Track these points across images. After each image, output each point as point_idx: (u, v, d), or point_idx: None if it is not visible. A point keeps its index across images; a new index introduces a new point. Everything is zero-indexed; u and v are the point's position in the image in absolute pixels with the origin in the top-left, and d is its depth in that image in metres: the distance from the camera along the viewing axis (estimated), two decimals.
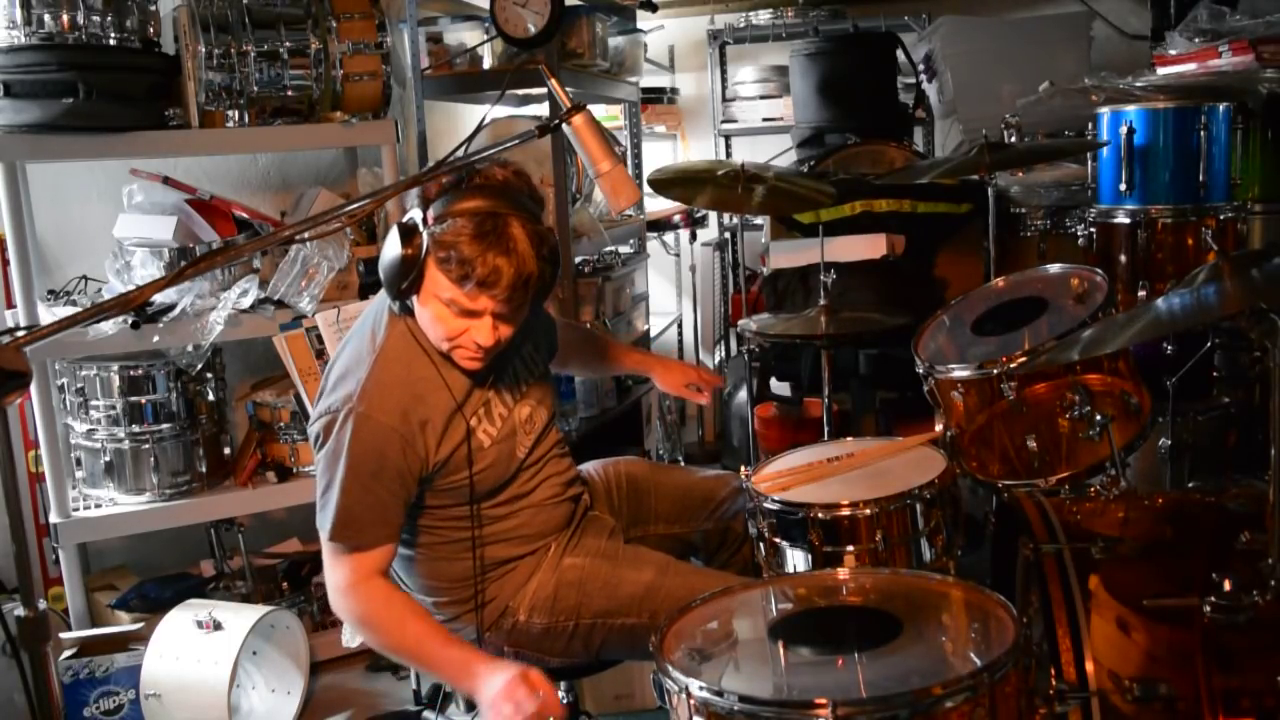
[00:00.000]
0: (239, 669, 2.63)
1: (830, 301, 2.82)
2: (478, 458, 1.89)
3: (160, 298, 2.78)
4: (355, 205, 1.58)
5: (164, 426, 2.93)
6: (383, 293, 1.93)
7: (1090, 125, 2.80)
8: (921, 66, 4.17)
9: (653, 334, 4.46)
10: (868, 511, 2.04)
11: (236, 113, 2.90)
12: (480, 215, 1.74)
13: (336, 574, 1.85)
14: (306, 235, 1.66)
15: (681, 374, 2.43)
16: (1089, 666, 1.57)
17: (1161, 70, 3.08)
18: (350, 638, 2.45)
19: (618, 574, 1.95)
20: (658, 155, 4.86)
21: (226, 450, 3.10)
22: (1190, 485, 2.68)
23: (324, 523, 1.83)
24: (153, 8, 2.83)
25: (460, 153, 1.72)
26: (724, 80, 4.77)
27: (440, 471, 1.88)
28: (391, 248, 1.79)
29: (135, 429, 2.91)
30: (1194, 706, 1.54)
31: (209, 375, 3.01)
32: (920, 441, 2.31)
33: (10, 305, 2.91)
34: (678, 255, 5.03)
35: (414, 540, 1.96)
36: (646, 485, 2.26)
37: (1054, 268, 2.51)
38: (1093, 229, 2.78)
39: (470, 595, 1.96)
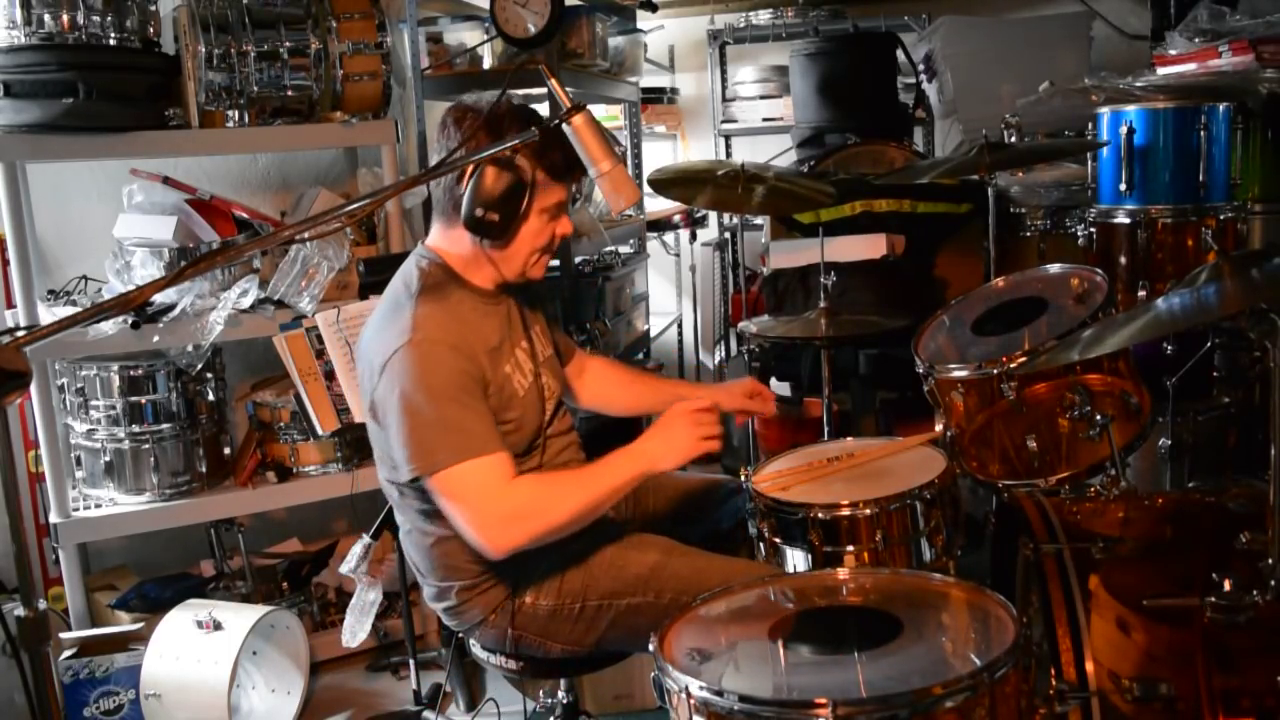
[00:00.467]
0: (239, 669, 2.63)
1: (830, 303, 2.82)
2: (512, 405, 1.92)
3: (160, 298, 2.77)
4: (355, 205, 1.59)
5: (164, 426, 2.93)
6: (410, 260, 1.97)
7: (1090, 125, 2.80)
8: (921, 66, 4.17)
9: (653, 334, 4.46)
10: (868, 511, 2.05)
11: (236, 113, 2.90)
12: (543, 122, 1.79)
13: (480, 502, 1.76)
14: (306, 235, 1.66)
15: (739, 387, 2.36)
16: (1089, 666, 1.57)
17: (1161, 70, 3.08)
18: (351, 637, 2.46)
19: (624, 555, 1.96)
20: (658, 155, 4.86)
21: (226, 450, 3.09)
22: (1190, 485, 2.68)
23: (440, 459, 1.75)
24: (153, 8, 2.83)
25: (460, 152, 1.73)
26: (724, 80, 4.77)
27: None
28: (496, 187, 1.80)
29: (135, 429, 2.91)
30: (1194, 706, 1.54)
31: (209, 375, 3.01)
32: (920, 441, 2.31)
33: (10, 305, 2.91)
34: (678, 255, 5.03)
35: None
36: (645, 485, 2.26)
37: (1054, 268, 2.51)
38: (1093, 229, 2.78)
39: (486, 576, 1.93)
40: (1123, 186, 2.66)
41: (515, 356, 1.98)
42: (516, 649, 1.97)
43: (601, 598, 1.92)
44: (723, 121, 4.72)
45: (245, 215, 3.11)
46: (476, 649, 2.07)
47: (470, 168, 1.81)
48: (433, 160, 1.93)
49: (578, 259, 3.65)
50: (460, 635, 2.08)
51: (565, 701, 2.23)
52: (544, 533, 1.80)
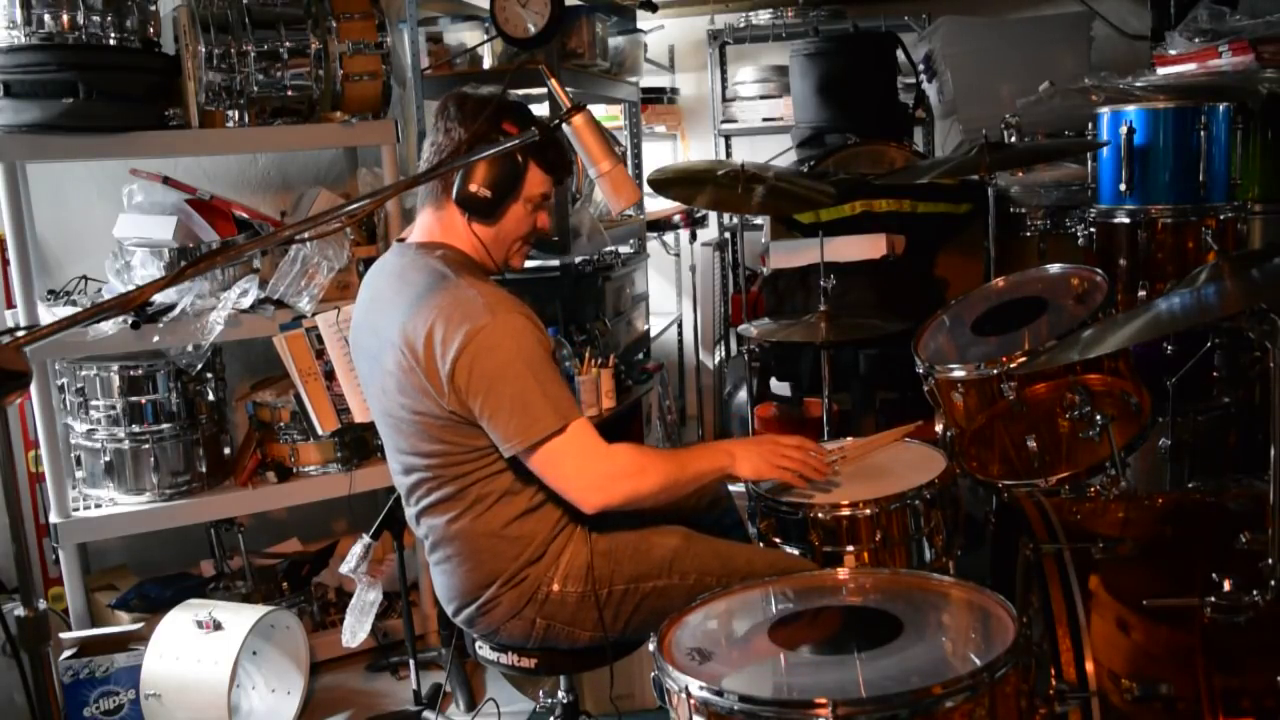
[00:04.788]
0: (239, 669, 2.63)
1: (830, 306, 2.81)
2: None
3: (160, 298, 2.77)
4: (355, 205, 1.59)
5: (164, 426, 2.93)
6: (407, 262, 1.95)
7: (1090, 125, 2.80)
8: (921, 66, 4.17)
9: (653, 334, 4.46)
10: (868, 511, 2.05)
11: (236, 113, 2.90)
12: (540, 121, 1.86)
13: (585, 460, 1.83)
14: (306, 235, 1.66)
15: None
16: (1089, 666, 1.57)
17: (1161, 70, 3.07)
18: (351, 637, 2.46)
19: (647, 540, 1.99)
20: (658, 155, 4.85)
21: (226, 450, 3.09)
22: (1190, 485, 2.68)
23: (547, 424, 1.79)
24: (153, 8, 2.83)
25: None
26: (724, 80, 4.77)
27: None
28: (490, 166, 1.87)
29: (135, 429, 2.90)
30: (1194, 706, 1.54)
31: (209, 375, 3.01)
32: (907, 431, 2.33)
33: (10, 305, 2.91)
34: (678, 255, 5.03)
35: (500, 490, 1.92)
36: None
37: (1054, 268, 2.51)
38: (1093, 229, 2.78)
39: (528, 558, 1.93)
40: (1123, 186, 2.66)
41: None
42: (543, 641, 1.96)
43: (627, 582, 1.95)
44: (723, 121, 4.72)
45: (245, 215, 3.11)
46: (485, 649, 2.05)
47: (463, 148, 1.85)
48: (425, 146, 1.98)
49: (578, 259, 3.65)
50: (474, 636, 2.06)
51: (565, 701, 2.23)
52: (638, 495, 1.86)
